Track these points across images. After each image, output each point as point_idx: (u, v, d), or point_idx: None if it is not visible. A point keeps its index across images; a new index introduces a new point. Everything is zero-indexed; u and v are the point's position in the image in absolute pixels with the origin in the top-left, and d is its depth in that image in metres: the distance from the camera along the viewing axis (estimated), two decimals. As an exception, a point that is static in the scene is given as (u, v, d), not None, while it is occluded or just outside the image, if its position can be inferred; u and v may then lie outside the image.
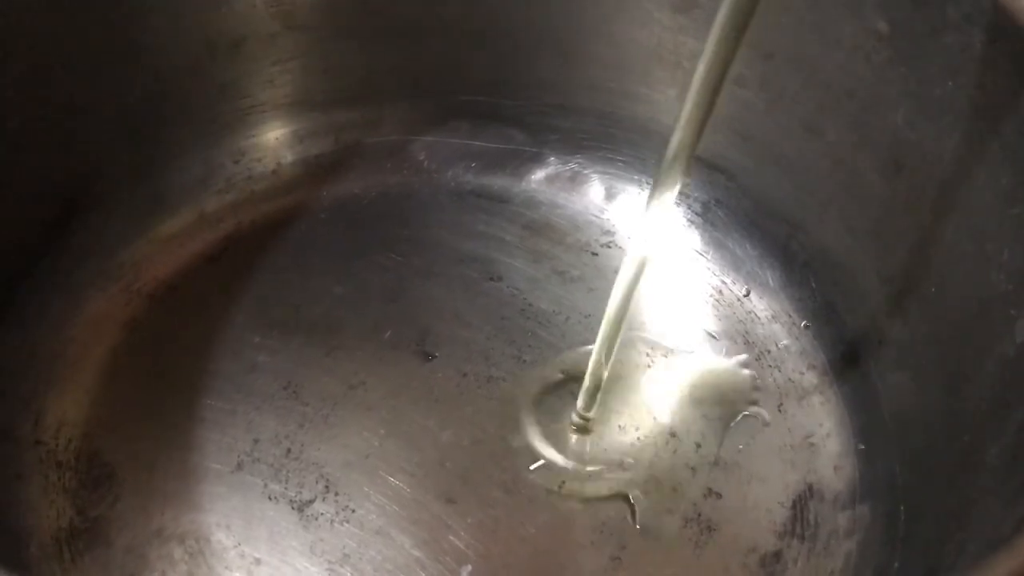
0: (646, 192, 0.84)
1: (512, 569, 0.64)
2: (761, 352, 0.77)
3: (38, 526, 0.63)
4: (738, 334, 0.78)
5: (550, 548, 0.66)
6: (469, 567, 0.64)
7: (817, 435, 0.72)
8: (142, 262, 0.76)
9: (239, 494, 0.66)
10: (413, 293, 0.78)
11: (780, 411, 0.74)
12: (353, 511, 0.66)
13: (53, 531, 0.63)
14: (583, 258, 0.81)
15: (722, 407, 0.73)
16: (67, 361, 0.70)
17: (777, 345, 0.77)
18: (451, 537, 0.65)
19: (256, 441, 0.68)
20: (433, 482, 0.68)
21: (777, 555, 0.67)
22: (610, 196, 0.85)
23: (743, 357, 0.76)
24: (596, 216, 0.84)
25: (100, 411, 0.69)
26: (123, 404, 0.69)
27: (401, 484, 0.67)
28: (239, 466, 0.67)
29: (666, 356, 0.76)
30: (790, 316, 0.78)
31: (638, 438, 0.71)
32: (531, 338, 0.76)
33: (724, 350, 0.77)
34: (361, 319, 0.76)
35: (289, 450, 0.68)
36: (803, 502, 0.69)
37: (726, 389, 0.74)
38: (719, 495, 0.69)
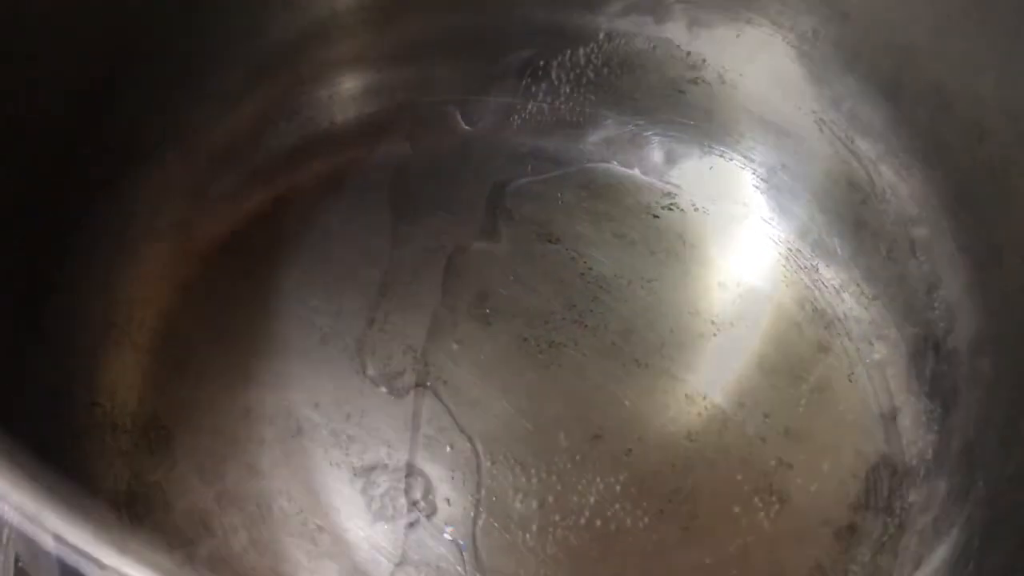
0: (708, 155, 0.82)
1: (580, 539, 0.63)
2: (830, 321, 0.75)
3: (96, 490, 0.61)
4: (807, 302, 0.76)
5: (614, 518, 0.64)
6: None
7: (889, 407, 0.70)
8: (194, 221, 0.74)
9: (300, 460, 0.64)
10: (469, 255, 0.76)
11: (851, 381, 0.72)
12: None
13: (111, 495, 0.62)
14: (644, 221, 0.79)
15: (791, 377, 0.71)
16: (121, 322, 0.69)
17: (847, 315, 0.75)
18: (517, 505, 0.64)
19: (316, 405, 0.67)
20: (497, 450, 0.66)
21: (851, 528, 0.65)
22: (671, 159, 0.82)
23: (812, 327, 0.74)
24: (657, 179, 0.81)
25: (156, 373, 0.67)
26: (179, 367, 0.68)
27: (465, 451, 0.66)
28: (299, 431, 0.65)
29: (733, 325, 0.74)
30: (859, 286, 0.76)
31: (705, 408, 0.69)
32: (592, 302, 0.74)
33: (792, 319, 0.74)
34: (418, 282, 0.74)
35: (349, 416, 0.67)
36: (877, 474, 0.67)
37: (794, 360, 0.72)
38: (790, 466, 0.67)
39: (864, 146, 0.74)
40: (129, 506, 0.61)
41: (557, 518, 0.63)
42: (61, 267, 0.67)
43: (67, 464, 0.61)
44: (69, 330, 0.66)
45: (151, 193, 0.73)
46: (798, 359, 0.72)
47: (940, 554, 0.63)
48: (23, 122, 0.61)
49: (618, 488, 0.65)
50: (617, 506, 0.64)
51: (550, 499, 0.64)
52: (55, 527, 0.33)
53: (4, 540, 0.57)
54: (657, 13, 0.79)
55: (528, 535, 0.63)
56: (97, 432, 0.64)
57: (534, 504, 0.64)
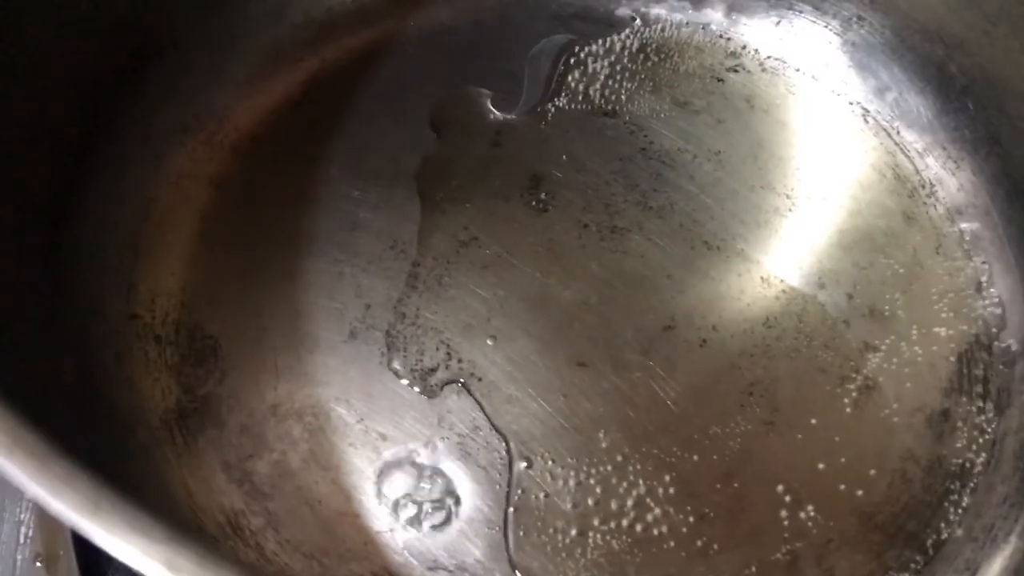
0: (776, 7, 0.74)
1: (653, 437, 0.59)
2: (914, 189, 0.69)
3: (143, 408, 0.58)
4: (888, 168, 0.70)
5: (694, 413, 0.60)
6: (606, 434, 0.59)
7: (981, 281, 0.65)
8: (221, 110, 0.68)
9: (355, 365, 0.60)
10: (520, 134, 0.70)
11: (938, 254, 0.67)
12: (479, 379, 0.60)
13: (160, 413, 0.58)
14: (707, 86, 0.72)
15: (874, 252, 0.66)
16: (153, 225, 0.64)
17: (931, 182, 0.69)
18: (585, 403, 0.60)
19: (368, 306, 0.62)
20: (561, 345, 0.62)
21: (945, 414, 0.61)
22: (733, 13, 0.75)
23: (894, 196, 0.68)
24: (719, 37, 0.74)
25: (195, 278, 0.63)
26: (219, 270, 0.63)
27: (527, 348, 0.62)
28: (352, 334, 0.61)
29: (809, 198, 0.68)
30: (945, 149, 0.70)
31: (783, 291, 0.65)
32: (656, 180, 0.68)
33: (874, 188, 0.68)
34: (466, 167, 0.68)
35: (404, 315, 0.62)
36: (970, 355, 0.63)
37: (877, 234, 0.67)
38: (877, 349, 0.63)
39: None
40: (180, 423, 0.58)
41: (639, 414, 0.60)
42: (87, 167, 0.62)
43: (109, 381, 0.58)
44: (99, 238, 0.62)
45: (174, 81, 0.67)
46: (881, 232, 0.67)
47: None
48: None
49: (694, 381, 0.61)
50: (691, 404, 0.60)
51: (621, 390, 0.60)
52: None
53: (22, 540, 0.55)
54: None
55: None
56: (140, 346, 0.60)
57: (604, 404, 0.60)
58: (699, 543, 0.56)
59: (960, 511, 0.58)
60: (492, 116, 0.71)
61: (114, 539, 0.28)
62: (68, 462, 0.30)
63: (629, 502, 0.57)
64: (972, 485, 0.58)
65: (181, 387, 0.59)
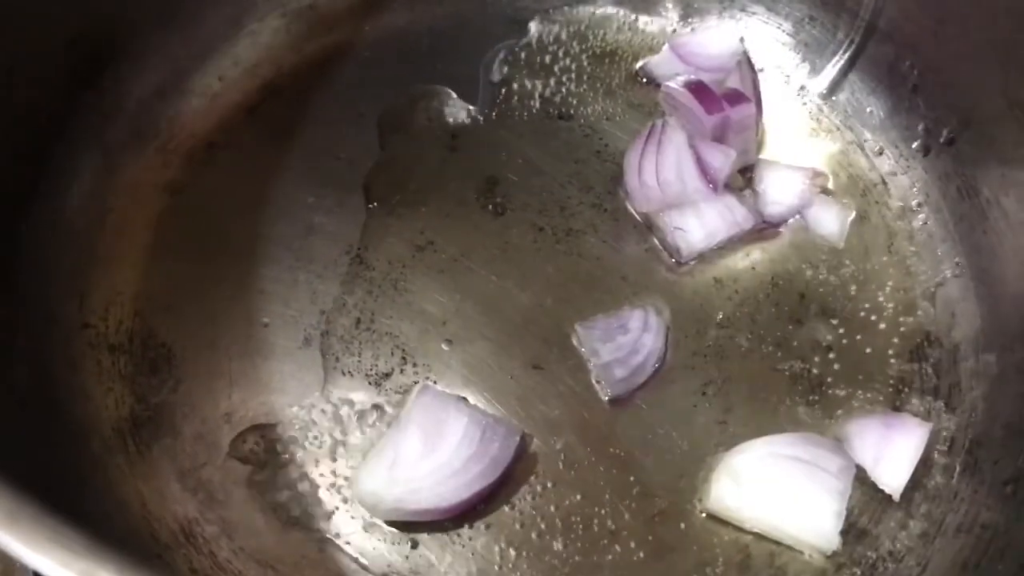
0: (728, 8, 0.75)
1: (611, 440, 0.59)
2: (867, 188, 0.70)
3: (97, 418, 0.58)
4: (841, 168, 0.70)
5: (648, 413, 0.60)
6: (559, 437, 0.59)
7: (933, 279, 0.66)
8: (176, 117, 0.69)
9: (311, 372, 0.61)
10: (475, 138, 0.70)
11: (890, 252, 0.67)
12: (435, 382, 0.60)
13: (114, 422, 0.58)
14: (659, 89, 0.72)
15: (825, 252, 0.67)
16: (107, 233, 0.64)
17: (884, 180, 0.70)
18: (540, 406, 0.60)
19: (323, 312, 0.63)
20: (517, 348, 0.62)
21: (896, 411, 0.61)
22: (688, 16, 0.75)
23: (846, 196, 0.69)
24: (671, 39, 0.75)
25: (149, 287, 0.63)
26: (173, 278, 0.63)
27: (483, 351, 0.62)
28: (307, 341, 0.62)
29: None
30: (897, 147, 0.70)
31: (736, 291, 0.65)
32: (611, 183, 0.69)
33: (821, 198, 0.69)
34: (422, 171, 0.69)
35: (359, 320, 0.63)
36: (921, 353, 0.63)
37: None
38: (829, 348, 0.63)
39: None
40: (134, 432, 0.58)
41: (593, 416, 0.60)
42: (42, 174, 0.62)
43: (62, 392, 0.58)
44: (52, 247, 0.62)
45: (129, 88, 0.67)
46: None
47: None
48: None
49: (650, 382, 0.61)
50: (646, 405, 0.61)
51: (577, 393, 0.61)
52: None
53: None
54: None
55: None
56: (93, 355, 0.60)
57: (561, 407, 0.60)
58: (654, 542, 0.56)
59: (914, 508, 0.58)
60: (447, 120, 0.71)
61: (30, 551, 0.28)
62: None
63: (578, 507, 0.57)
64: (926, 484, 0.59)
65: (135, 396, 0.59)
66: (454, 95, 0.72)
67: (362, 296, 0.63)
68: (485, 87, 0.72)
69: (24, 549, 0.28)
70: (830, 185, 0.69)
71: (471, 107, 0.72)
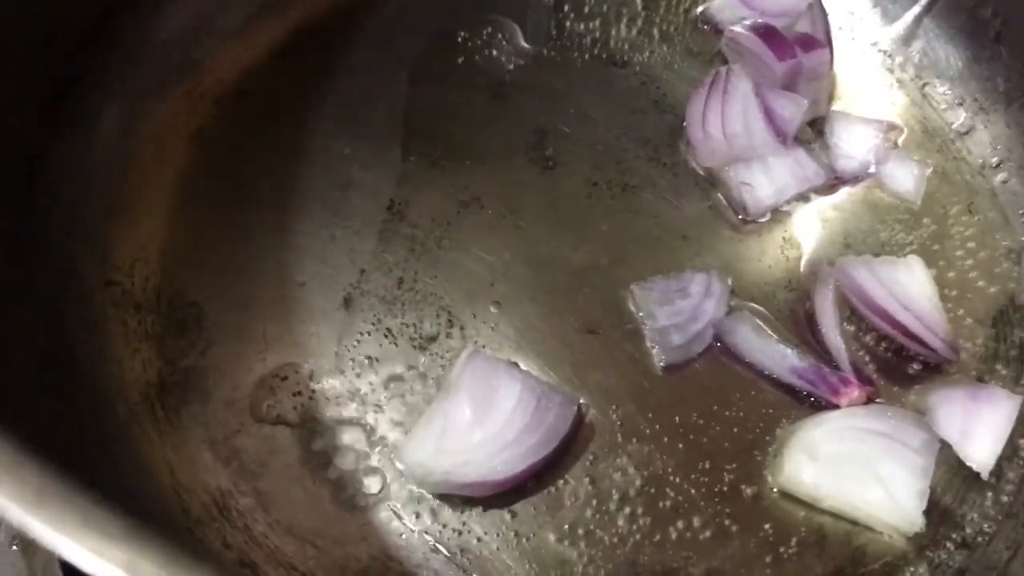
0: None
1: (673, 410, 0.55)
2: (944, 143, 0.65)
3: (123, 381, 0.54)
4: (916, 122, 0.65)
5: (712, 384, 0.56)
6: (618, 406, 0.55)
7: (1017, 240, 0.61)
8: (203, 62, 0.64)
9: (350, 334, 0.56)
10: (523, 85, 0.66)
11: (970, 212, 0.62)
12: (483, 347, 0.56)
13: (141, 386, 0.54)
14: (720, 36, 0.67)
15: (901, 212, 0.62)
16: (132, 184, 0.59)
17: (962, 135, 0.65)
18: (596, 373, 0.56)
19: (363, 271, 0.58)
20: (570, 311, 0.58)
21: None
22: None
23: (921, 152, 0.64)
24: (736, -18, 0.70)
25: (177, 242, 0.58)
26: (203, 233, 0.59)
27: (533, 315, 0.58)
28: (346, 301, 0.57)
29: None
30: (976, 100, 0.65)
31: (805, 252, 0.60)
32: (670, 136, 0.64)
33: (895, 153, 0.64)
34: (467, 122, 0.64)
35: (401, 280, 0.58)
36: (1005, 319, 0.59)
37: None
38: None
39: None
40: (162, 397, 0.54)
41: (654, 385, 0.56)
42: (62, 121, 0.58)
43: (85, 353, 0.54)
44: (73, 199, 0.57)
45: (153, 31, 0.62)
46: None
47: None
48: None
49: (712, 349, 0.57)
50: (707, 376, 0.56)
51: (635, 359, 0.56)
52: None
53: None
54: None
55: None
56: (117, 314, 0.56)
57: (616, 374, 0.56)
58: (722, 520, 0.52)
59: (1003, 487, 0.54)
60: (493, 66, 0.66)
61: (62, 537, 0.23)
62: (15, 444, 0.26)
63: (639, 481, 0.53)
64: (1015, 460, 0.55)
65: (163, 359, 0.55)
66: (500, 37, 0.67)
67: (404, 255, 0.59)
68: (533, 28, 0.67)
69: (53, 534, 0.23)
70: (904, 139, 0.64)
71: (519, 51, 0.67)
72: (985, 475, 0.53)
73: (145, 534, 0.24)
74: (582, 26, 0.67)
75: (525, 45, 0.66)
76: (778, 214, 0.61)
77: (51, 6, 0.56)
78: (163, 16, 0.63)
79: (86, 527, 0.24)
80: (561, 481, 0.53)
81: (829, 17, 0.65)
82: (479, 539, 0.51)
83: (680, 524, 0.52)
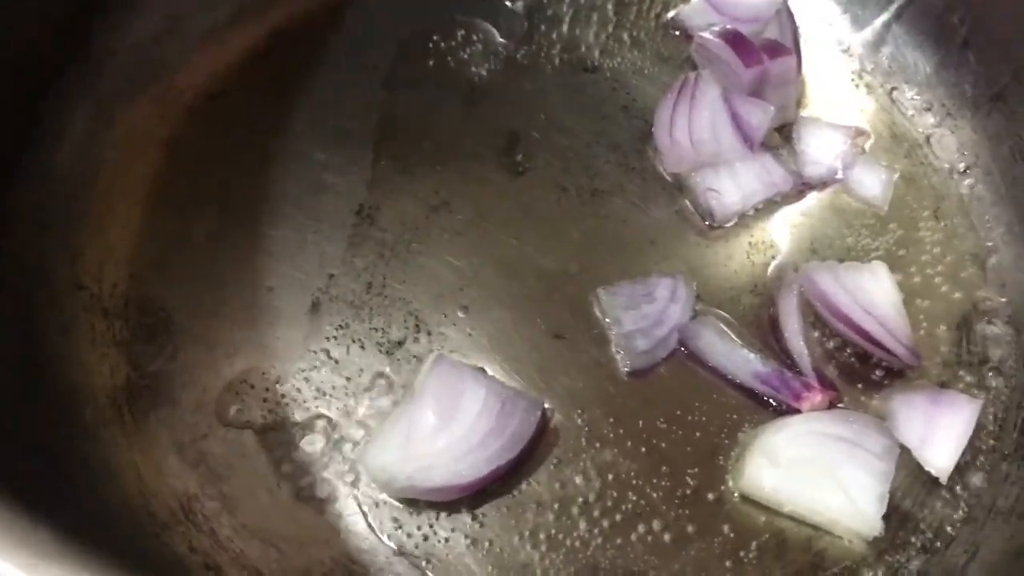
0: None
1: (638, 415, 0.55)
2: (911, 148, 0.65)
3: (91, 386, 0.54)
4: (884, 127, 0.66)
5: (682, 391, 0.56)
6: (584, 411, 0.55)
7: (982, 246, 0.62)
8: (176, 65, 0.64)
9: (318, 339, 0.57)
10: (495, 90, 0.66)
11: (936, 217, 0.63)
12: (450, 352, 0.57)
13: (108, 391, 0.54)
14: (690, 41, 0.68)
15: (867, 216, 0.63)
16: (102, 188, 0.60)
17: (930, 141, 0.65)
18: (562, 378, 0.56)
19: (331, 276, 0.59)
20: (538, 316, 0.58)
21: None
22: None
23: (889, 157, 0.65)
24: (706, -11, 0.70)
25: (147, 247, 0.59)
26: (173, 238, 0.59)
27: (501, 319, 0.58)
28: (315, 306, 0.58)
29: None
30: (944, 106, 0.66)
31: (772, 256, 0.61)
32: (639, 141, 0.64)
33: (863, 159, 0.65)
34: (437, 126, 0.64)
35: (370, 284, 0.59)
36: (969, 324, 0.59)
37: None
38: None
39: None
40: (130, 402, 0.54)
41: (619, 389, 0.56)
42: (32, 125, 0.59)
43: (54, 357, 0.54)
44: (43, 203, 0.58)
45: (125, 33, 0.63)
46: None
47: None
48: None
49: (678, 354, 0.57)
50: (674, 380, 0.57)
51: (601, 364, 0.57)
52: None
53: None
54: None
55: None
56: (87, 319, 0.56)
57: (582, 379, 0.56)
58: (683, 524, 0.53)
59: (962, 491, 0.54)
60: (465, 71, 0.67)
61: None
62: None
63: (601, 485, 0.53)
64: (974, 465, 0.55)
65: (131, 364, 0.55)
66: (474, 39, 0.67)
67: (373, 259, 0.59)
68: (507, 34, 0.68)
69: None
70: (871, 144, 0.65)
71: (493, 51, 0.67)
72: (944, 480, 0.54)
73: (83, 551, 0.24)
74: (554, 32, 0.68)
75: (501, 40, 0.67)
76: (745, 219, 0.62)
77: (17, 9, 0.56)
78: (132, 20, 0.63)
79: (19, 545, 0.24)
80: (525, 485, 0.53)
81: (799, 22, 0.65)
82: (442, 543, 0.52)
83: (642, 528, 0.53)
